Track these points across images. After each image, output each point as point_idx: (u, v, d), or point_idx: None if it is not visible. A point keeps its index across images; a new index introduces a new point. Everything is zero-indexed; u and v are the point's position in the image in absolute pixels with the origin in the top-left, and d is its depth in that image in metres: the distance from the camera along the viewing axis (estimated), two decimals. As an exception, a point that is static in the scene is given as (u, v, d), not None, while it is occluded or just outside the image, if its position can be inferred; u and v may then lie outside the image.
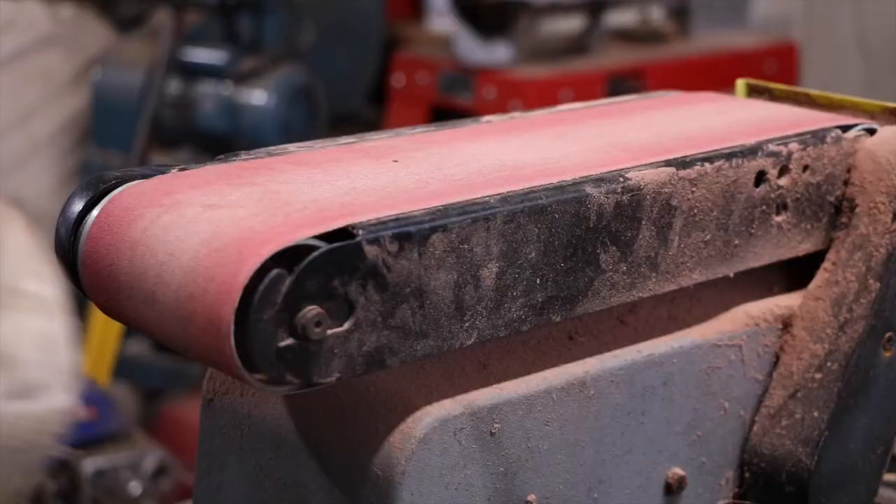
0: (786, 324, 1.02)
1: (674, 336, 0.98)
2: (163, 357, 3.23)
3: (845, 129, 1.04)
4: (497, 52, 3.33)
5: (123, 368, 3.24)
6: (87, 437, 2.63)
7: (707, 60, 3.58)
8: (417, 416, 0.84)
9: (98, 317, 3.17)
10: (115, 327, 3.16)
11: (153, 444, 2.75)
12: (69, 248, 0.86)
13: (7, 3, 3.51)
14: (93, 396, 2.69)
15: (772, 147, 0.98)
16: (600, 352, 0.94)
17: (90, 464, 2.60)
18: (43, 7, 3.56)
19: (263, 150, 0.96)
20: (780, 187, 0.99)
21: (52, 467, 2.59)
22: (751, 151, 0.97)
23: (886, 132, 1.04)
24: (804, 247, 1.02)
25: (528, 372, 0.90)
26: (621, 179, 0.90)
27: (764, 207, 0.98)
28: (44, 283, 0.60)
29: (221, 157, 0.94)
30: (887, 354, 1.02)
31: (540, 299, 0.86)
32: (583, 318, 0.93)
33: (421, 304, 0.80)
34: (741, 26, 3.87)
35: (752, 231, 0.98)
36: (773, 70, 3.66)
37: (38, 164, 3.44)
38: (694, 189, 0.93)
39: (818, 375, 1.00)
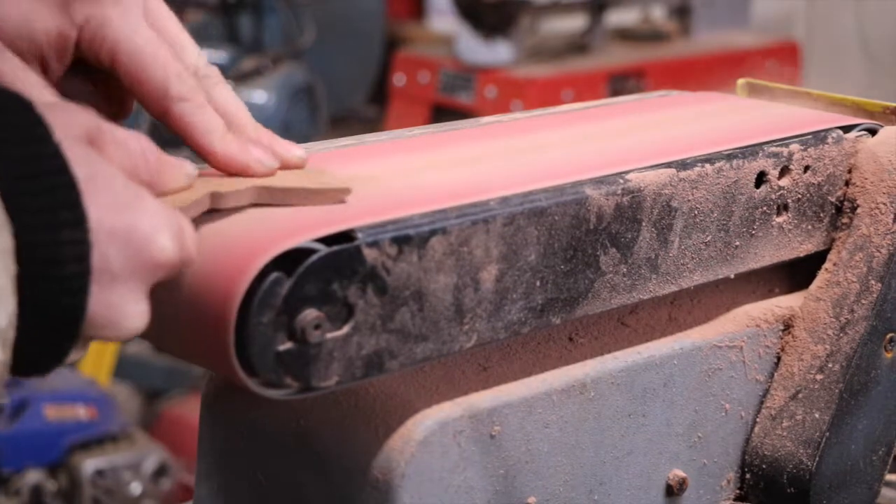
0: (787, 325, 1.02)
1: (674, 337, 0.97)
2: (163, 357, 3.23)
3: (846, 129, 1.03)
4: (498, 52, 3.33)
5: (123, 368, 3.24)
6: (87, 437, 2.63)
7: (708, 60, 3.58)
8: (417, 419, 0.83)
9: (99, 317, 3.16)
10: (116, 327, 3.15)
11: (153, 444, 2.75)
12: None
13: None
14: (93, 396, 2.69)
15: (772, 147, 0.98)
16: (600, 353, 0.94)
17: (90, 464, 2.60)
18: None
19: (263, 151, 0.95)
20: (780, 188, 0.99)
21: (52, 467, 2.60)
22: (751, 152, 0.97)
23: (888, 132, 1.04)
24: (805, 247, 1.02)
25: (528, 374, 0.90)
26: (621, 181, 0.89)
27: (765, 208, 0.98)
28: None
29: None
30: (888, 355, 1.01)
31: (540, 301, 0.86)
32: (583, 319, 0.93)
33: (420, 307, 0.80)
34: (742, 26, 3.87)
35: (753, 232, 0.98)
36: (775, 70, 3.66)
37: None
38: (694, 190, 0.93)
39: (819, 376, 1.00)
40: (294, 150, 0.85)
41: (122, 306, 0.71)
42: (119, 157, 0.73)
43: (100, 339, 0.73)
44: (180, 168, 0.78)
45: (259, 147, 0.83)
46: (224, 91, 0.85)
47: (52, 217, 0.67)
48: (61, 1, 0.81)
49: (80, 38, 0.82)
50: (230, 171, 0.82)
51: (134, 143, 0.75)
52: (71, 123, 0.72)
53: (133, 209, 0.71)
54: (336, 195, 0.81)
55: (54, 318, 0.69)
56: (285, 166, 0.84)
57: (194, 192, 0.78)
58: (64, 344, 0.70)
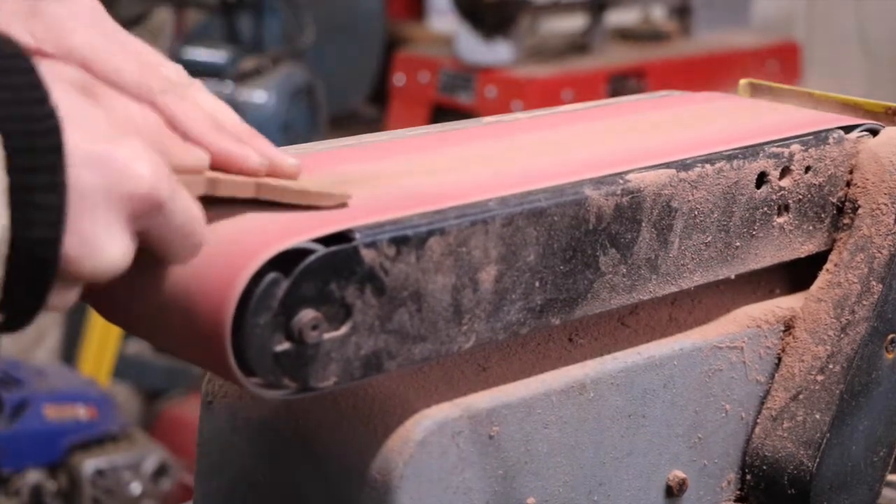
0: (788, 325, 1.02)
1: (675, 338, 0.97)
2: (163, 357, 3.23)
3: (848, 129, 1.03)
4: (498, 52, 3.32)
5: (123, 368, 3.24)
6: (87, 437, 2.63)
7: (709, 60, 3.57)
8: (416, 420, 0.83)
9: (98, 317, 3.17)
10: (116, 328, 3.16)
11: (153, 444, 2.75)
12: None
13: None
14: (93, 396, 2.69)
15: (773, 148, 0.98)
16: (600, 354, 0.93)
17: (90, 464, 2.60)
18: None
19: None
20: (781, 188, 0.98)
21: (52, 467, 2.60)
22: (752, 152, 0.96)
23: (889, 132, 1.04)
24: (806, 248, 1.02)
25: (527, 374, 0.89)
26: (621, 181, 0.89)
27: (765, 209, 0.98)
28: None
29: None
30: (889, 356, 1.01)
31: (539, 302, 0.86)
32: (582, 320, 0.93)
33: (419, 307, 0.80)
34: (743, 25, 3.86)
35: (754, 233, 0.98)
36: (775, 69, 3.66)
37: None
38: (694, 191, 0.93)
39: (820, 377, 0.99)
40: (288, 159, 0.82)
41: (96, 236, 0.69)
42: (115, 110, 0.72)
43: (78, 277, 0.69)
44: (189, 148, 0.76)
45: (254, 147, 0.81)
46: (208, 97, 0.82)
47: (30, 141, 0.66)
48: (24, 22, 0.79)
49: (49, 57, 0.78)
50: (226, 167, 0.80)
51: (135, 106, 0.74)
52: (62, 71, 0.71)
53: (113, 140, 0.69)
54: (335, 199, 0.80)
55: (28, 252, 0.67)
56: (279, 174, 0.82)
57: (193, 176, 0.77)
58: (41, 281, 0.68)
